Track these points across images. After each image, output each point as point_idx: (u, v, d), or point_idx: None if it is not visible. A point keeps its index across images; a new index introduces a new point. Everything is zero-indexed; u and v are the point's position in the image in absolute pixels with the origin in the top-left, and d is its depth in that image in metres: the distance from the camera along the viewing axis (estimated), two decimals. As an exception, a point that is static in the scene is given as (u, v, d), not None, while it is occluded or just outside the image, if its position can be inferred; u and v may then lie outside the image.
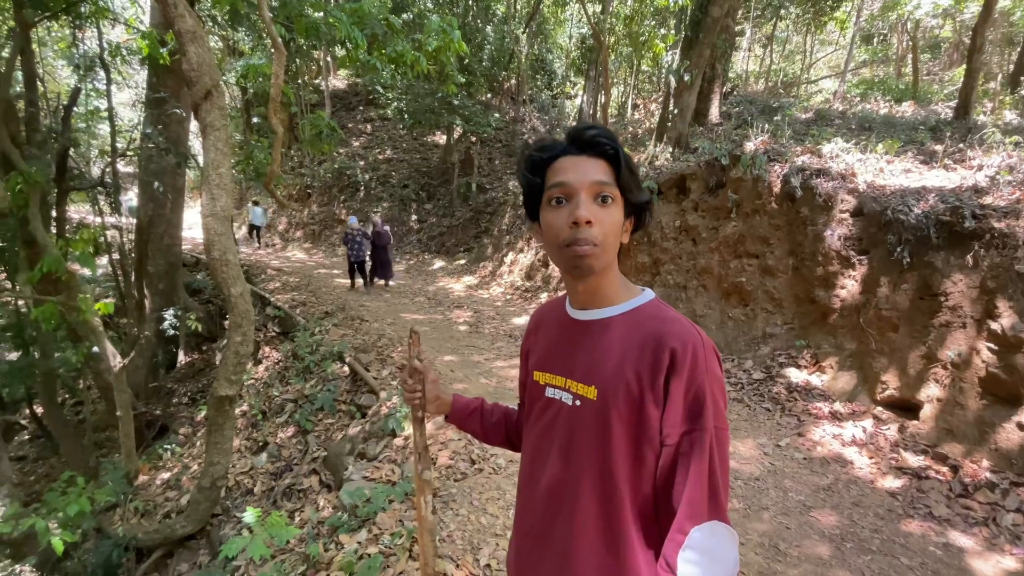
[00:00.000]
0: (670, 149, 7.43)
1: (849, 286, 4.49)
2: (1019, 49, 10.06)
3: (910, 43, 12.81)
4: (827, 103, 10.37)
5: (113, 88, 9.36)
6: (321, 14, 4.55)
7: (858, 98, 10.66)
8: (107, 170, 8.72)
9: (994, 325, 3.36)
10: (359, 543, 2.57)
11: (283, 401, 5.55)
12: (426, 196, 15.29)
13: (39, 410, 8.40)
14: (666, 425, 0.80)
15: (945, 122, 6.55)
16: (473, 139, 14.48)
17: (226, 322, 9.34)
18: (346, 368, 5.48)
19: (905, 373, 3.91)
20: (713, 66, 8.26)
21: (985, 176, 4.20)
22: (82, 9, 5.57)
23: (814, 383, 4.56)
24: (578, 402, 0.88)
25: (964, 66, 7.75)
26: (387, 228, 9.74)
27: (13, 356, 8.35)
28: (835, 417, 4.13)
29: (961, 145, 5.33)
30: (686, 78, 7.26)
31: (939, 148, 5.37)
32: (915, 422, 3.75)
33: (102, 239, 8.92)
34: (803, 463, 3.65)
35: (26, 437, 8.91)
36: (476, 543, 2.58)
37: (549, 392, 0.94)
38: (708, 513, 0.77)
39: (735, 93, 11.27)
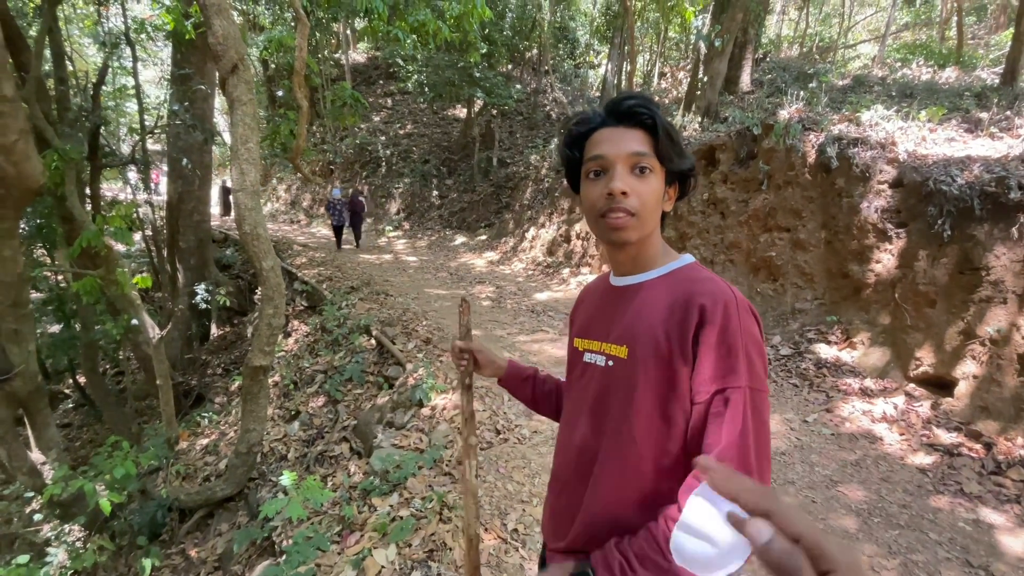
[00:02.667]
0: (699, 119, 7.21)
1: (885, 260, 4.35)
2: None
3: (955, 5, 12.04)
4: (866, 69, 9.88)
5: (139, 66, 9.48)
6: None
7: (899, 63, 10.13)
8: (137, 147, 8.90)
9: (1039, 300, 3.24)
10: (391, 506, 2.67)
11: (313, 372, 5.70)
12: (447, 171, 15.22)
13: (82, 380, 8.81)
14: (696, 383, 0.77)
15: (991, 88, 6.20)
16: (494, 112, 14.27)
17: (256, 296, 9.60)
18: (373, 341, 5.59)
19: (941, 349, 3.81)
20: (745, 31, 7.92)
21: (1036, 144, 3.99)
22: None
23: (844, 359, 4.48)
24: (611, 363, 0.88)
25: (1011, 30, 7.27)
26: (362, 199, 11.48)
27: (55, 328, 8.74)
28: (865, 393, 4.06)
29: (1008, 113, 5.05)
30: (717, 44, 6.99)
31: (984, 116, 5.10)
32: (949, 399, 3.67)
33: (135, 215, 9.17)
34: (831, 439, 3.62)
35: (70, 405, 9.38)
36: (504, 509, 2.65)
37: (587, 357, 0.95)
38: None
39: (767, 59, 10.82)
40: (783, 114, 5.44)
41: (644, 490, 0.83)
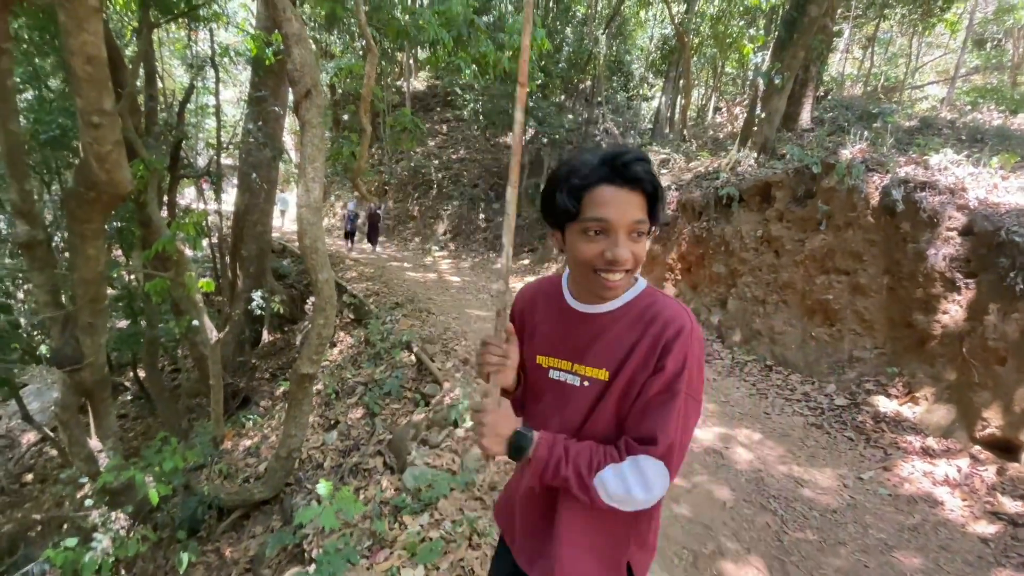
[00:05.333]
0: (754, 155, 7.09)
1: (952, 311, 4.09)
2: None
3: (1035, 46, 11.43)
4: (934, 110, 9.47)
5: (220, 87, 10.25)
6: (409, 17, 4.76)
7: (968, 106, 9.66)
8: (212, 161, 9.57)
9: None
10: (421, 526, 2.67)
11: (354, 384, 5.84)
12: (495, 196, 15.51)
13: (141, 374, 9.35)
14: (652, 384, 0.92)
15: (1075, 135, 5.81)
16: (544, 140, 14.52)
17: (307, 306, 9.99)
18: (413, 357, 5.69)
19: (1009, 411, 3.52)
20: (807, 68, 7.78)
21: None
22: (200, 12, 6.14)
23: (905, 414, 4.20)
24: (586, 383, 0.99)
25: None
26: (379, 212, 13.80)
27: (123, 324, 9.36)
28: (927, 453, 3.79)
29: (1095, 161, 4.71)
30: (776, 81, 6.90)
31: (1069, 164, 4.77)
32: (1016, 464, 3.37)
33: (204, 224, 9.79)
34: (887, 499, 3.38)
35: (128, 397, 9.95)
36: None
37: (554, 375, 1.05)
38: (663, 454, 0.89)
39: (829, 97, 10.55)
40: (845, 153, 5.28)
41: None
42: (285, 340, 9.75)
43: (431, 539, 2.57)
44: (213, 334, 5.03)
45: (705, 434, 4.01)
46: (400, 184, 17.04)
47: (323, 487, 2.98)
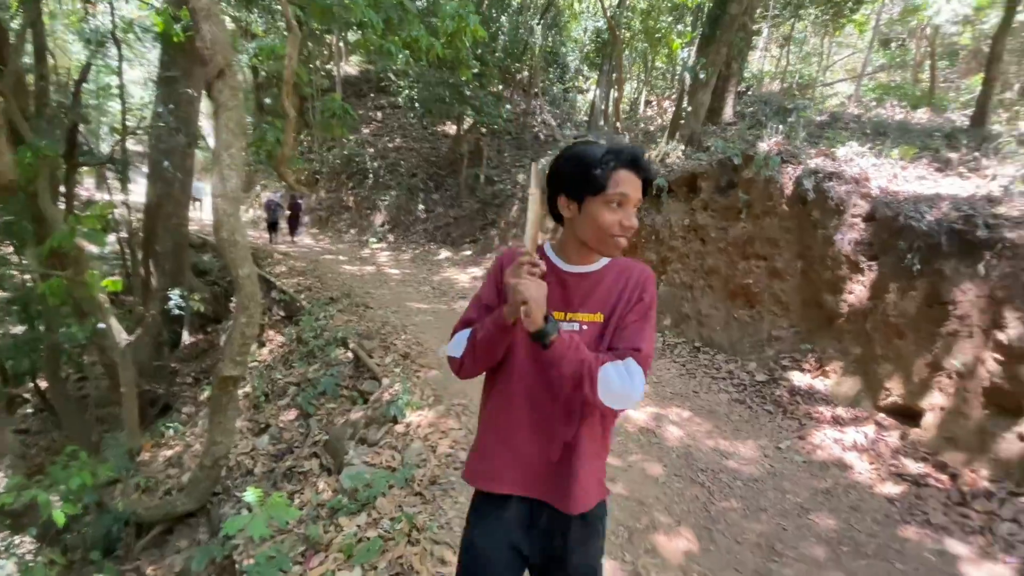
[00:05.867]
0: (682, 147, 7.37)
1: (857, 291, 4.46)
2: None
3: (928, 49, 12.64)
4: (842, 106, 10.26)
5: (125, 65, 9.35)
6: (337, -2, 4.53)
7: (874, 102, 10.54)
8: (116, 147, 8.73)
9: (1000, 336, 3.34)
10: (358, 526, 2.59)
11: (286, 384, 5.58)
12: (434, 186, 15.24)
13: (43, 384, 8.47)
14: (630, 313, 1.20)
15: (961, 130, 6.48)
16: (483, 130, 14.41)
17: (231, 303, 9.39)
18: (349, 354, 5.50)
19: (909, 380, 3.90)
20: (729, 64, 8.18)
21: (999, 186, 4.16)
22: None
23: (817, 387, 4.55)
24: (584, 326, 1.21)
25: (982, 74, 7.64)
26: (300, 201, 14.01)
27: (19, 329, 8.42)
28: (837, 422, 4.12)
29: (976, 154, 5.28)
30: (701, 76, 7.20)
31: (954, 156, 5.32)
32: (917, 429, 3.74)
33: (110, 217, 8.94)
34: (803, 466, 3.66)
35: (29, 411, 9.00)
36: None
37: None
38: (643, 360, 1.14)
39: (750, 93, 11.16)
40: (763, 146, 5.59)
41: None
42: (208, 341, 9.15)
43: (368, 539, 2.50)
44: (122, 337, 4.62)
45: (639, 415, 4.16)
46: (333, 173, 16.36)
47: (251, 494, 2.82)
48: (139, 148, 15.34)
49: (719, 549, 2.72)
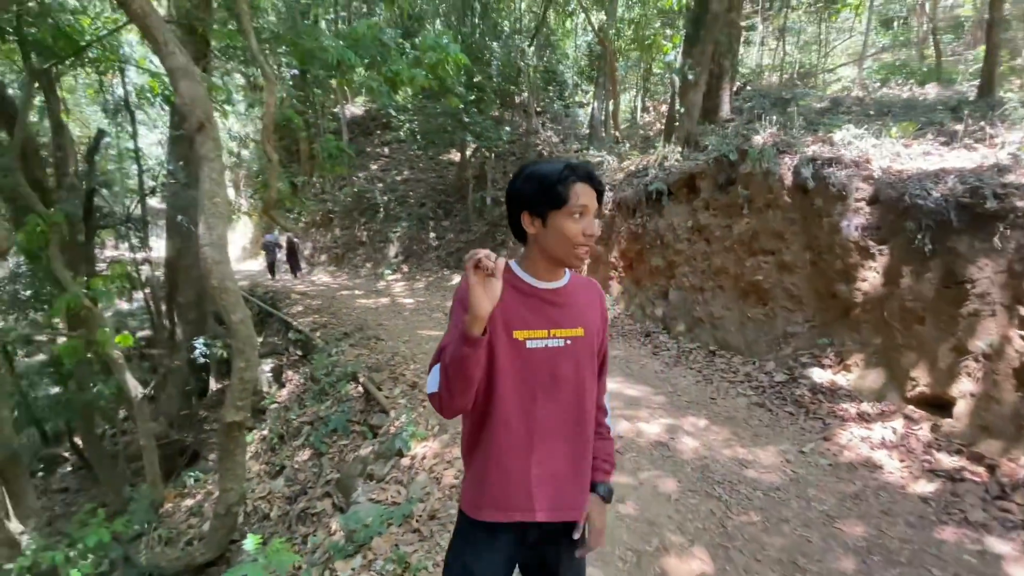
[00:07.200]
0: (679, 149, 7.26)
1: (871, 278, 4.25)
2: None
3: (930, 24, 12.29)
4: (845, 91, 10.00)
5: (143, 128, 9.85)
6: (314, 41, 4.65)
7: (878, 83, 10.25)
8: (134, 207, 9.13)
9: (1027, 311, 3.11)
10: (352, 569, 2.53)
11: (300, 424, 5.59)
12: (443, 213, 15.41)
13: (79, 442, 8.73)
14: (602, 336, 1.34)
15: (966, 101, 6.21)
16: (488, 154, 14.55)
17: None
18: (360, 388, 5.49)
19: (935, 368, 3.65)
20: (720, 62, 8.07)
21: (1008, 154, 3.93)
22: (89, 55, 5.83)
23: (840, 383, 4.32)
24: (568, 341, 1.24)
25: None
26: (296, 241, 14.81)
27: (56, 390, 8.74)
28: (863, 418, 3.89)
29: (982, 123, 5.03)
30: (690, 76, 7.12)
31: (960, 128, 5.08)
32: (948, 420, 3.49)
33: (135, 273, 9.30)
34: (828, 470, 3.43)
35: (68, 469, 9.27)
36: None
37: (531, 344, 1.22)
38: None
39: (748, 88, 10.99)
40: (757, 139, 5.46)
41: (595, 411, 1.35)
42: (233, 386, 9.29)
43: (364, 581, 2.43)
44: (137, 391, 4.72)
45: (652, 427, 3.99)
46: (345, 211, 16.73)
47: (249, 542, 2.79)
48: (163, 206, 16.04)
49: (736, 569, 2.55)
